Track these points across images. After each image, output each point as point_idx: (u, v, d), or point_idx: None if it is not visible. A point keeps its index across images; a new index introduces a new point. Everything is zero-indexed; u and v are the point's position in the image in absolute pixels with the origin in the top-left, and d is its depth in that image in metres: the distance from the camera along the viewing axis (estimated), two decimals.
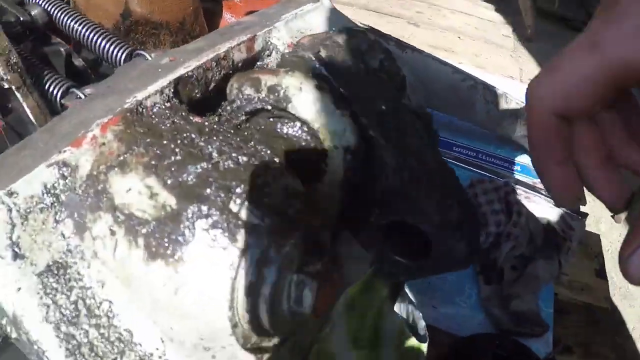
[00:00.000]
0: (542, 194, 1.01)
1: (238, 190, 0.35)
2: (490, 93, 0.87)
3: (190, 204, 0.34)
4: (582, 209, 0.97)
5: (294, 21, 0.53)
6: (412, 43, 0.81)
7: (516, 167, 1.19)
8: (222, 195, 0.34)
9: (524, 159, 1.08)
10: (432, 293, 0.96)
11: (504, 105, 0.90)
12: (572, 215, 0.99)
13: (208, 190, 0.34)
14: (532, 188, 1.01)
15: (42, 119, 0.47)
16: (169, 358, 0.39)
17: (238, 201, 0.34)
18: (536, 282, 1.06)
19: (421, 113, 0.45)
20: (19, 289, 0.38)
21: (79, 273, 0.39)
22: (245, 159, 0.36)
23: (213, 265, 0.34)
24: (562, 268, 1.11)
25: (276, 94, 0.39)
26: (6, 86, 0.45)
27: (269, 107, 0.40)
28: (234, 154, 0.36)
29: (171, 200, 0.35)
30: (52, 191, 0.40)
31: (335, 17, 0.56)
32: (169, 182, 0.35)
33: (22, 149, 0.43)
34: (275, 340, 0.40)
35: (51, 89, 0.47)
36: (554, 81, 0.34)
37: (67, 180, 0.40)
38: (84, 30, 0.51)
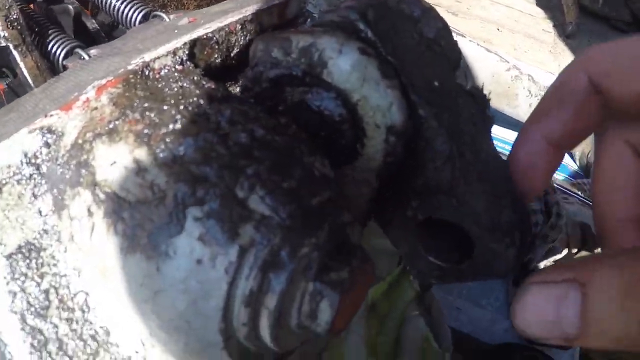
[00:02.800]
0: (580, 197, 0.88)
1: (249, 171, 0.25)
2: (535, 85, 0.77)
3: (183, 184, 0.24)
4: None
5: None
6: None
7: None
8: (227, 176, 0.24)
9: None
10: (457, 293, 0.85)
11: None
12: None
13: (208, 169, 0.24)
14: (570, 190, 0.88)
15: (41, 80, 0.38)
16: None
17: (247, 185, 0.24)
18: None
19: (477, 95, 0.34)
20: None
21: (53, 257, 0.30)
22: (262, 132, 0.26)
23: (205, 266, 0.24)
24: None
25: (310, 57, 0.29)
26: (3, 44, 0.37)
27: (299, 74, 0.30)
28: (249, 126, 0.26)
29: (161, 179, 0.25)
30: (33, 161, 0.30)
31: None
32: (161, 155, 0.26)
33: (10, 111, 0.34)
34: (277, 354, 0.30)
35: (54, 50, 0.38)
36: (611, 47, 0.27)
37: (50, 149, 0.31)
38: None
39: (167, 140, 0.26)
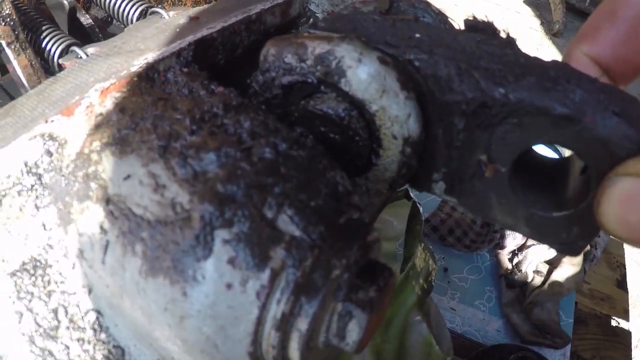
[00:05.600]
0: None
1: (276, 189, 0.22)
2: None
3: (210, 205, 0.21)
4: None
5: None
6: None
7: None
8: (255, 195, 0.22)
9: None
10: (451, 294, 0.84)
11: None
12: None
13: (234, 188, 0.22)
14: None
15: (35, 80, 0.34)
16: None
17: (275, 205, 0.22)
18: (561, 290, 0.94)
19: (479, 27, 0.29)
20: None
21: (61, 274, 0.27)
22: (285, 146, 0.24)
23: (235, 290, 0.21)
24: (585, 276, 0.98)
25: (327, 65, 0.26)
26: None
27: (314, 81, 0.27)
28: (271, 139, 0.24)
29: (183, 197, 0.22)
30: (34, 170, 0.27)
31: None
32: (180, 171, 0.23)
33: (5, 115, 0.30)
34: None
35: (49, 47, 0.34)
36: None
37: (52, 158, 0.27)
38: None
39: (187, 154, 0.23)
